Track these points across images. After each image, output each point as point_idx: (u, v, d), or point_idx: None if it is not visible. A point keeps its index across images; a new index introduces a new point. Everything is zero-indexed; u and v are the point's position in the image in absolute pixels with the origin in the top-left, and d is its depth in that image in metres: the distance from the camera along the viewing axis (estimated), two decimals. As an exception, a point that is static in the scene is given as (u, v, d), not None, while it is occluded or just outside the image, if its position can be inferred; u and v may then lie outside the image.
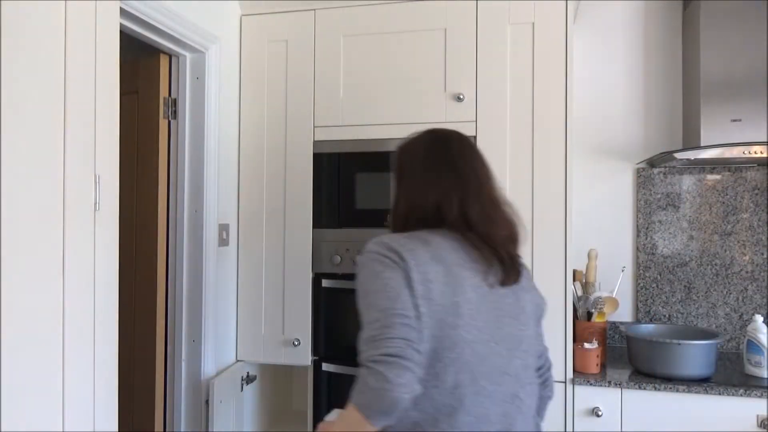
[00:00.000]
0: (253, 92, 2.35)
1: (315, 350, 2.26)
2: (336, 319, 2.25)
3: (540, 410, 1.29)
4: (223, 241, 2.26)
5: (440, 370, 1.08)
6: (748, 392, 1.84)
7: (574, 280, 2.13)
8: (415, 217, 1.22)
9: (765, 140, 2.01)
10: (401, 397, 1.00)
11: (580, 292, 2.18)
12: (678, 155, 2.11)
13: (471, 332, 1.10)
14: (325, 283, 2.25)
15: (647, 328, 2.18)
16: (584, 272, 2.20)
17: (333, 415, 1.50)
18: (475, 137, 2.10)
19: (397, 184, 1.30)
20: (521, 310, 1.20)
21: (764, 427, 1.82)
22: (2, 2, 1.15)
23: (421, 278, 1.08)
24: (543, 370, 1.31)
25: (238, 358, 2.34)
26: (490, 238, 1.18)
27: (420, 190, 1.23)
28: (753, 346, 1.98)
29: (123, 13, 1.72)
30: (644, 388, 1.91)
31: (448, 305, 1.09)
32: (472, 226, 1.18)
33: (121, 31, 1.56)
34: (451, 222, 1.19)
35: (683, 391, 1.88)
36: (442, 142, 1.30)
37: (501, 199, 1.25)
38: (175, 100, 2.19)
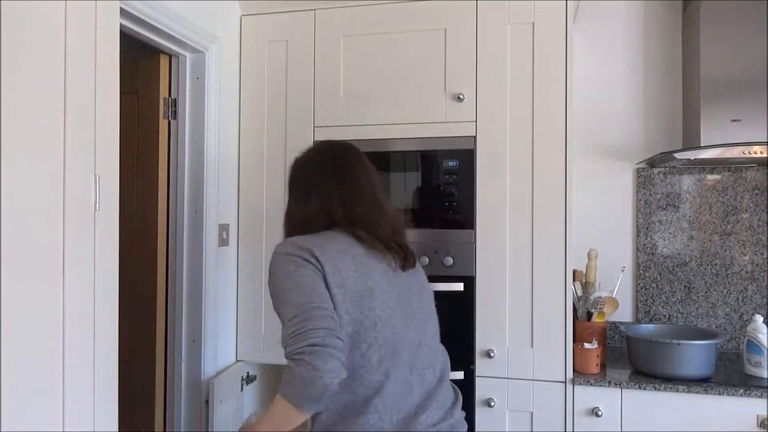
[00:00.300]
0: (253, 92, 2.35)
1: (315, 350, 2.25)
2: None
3: (446, 373, 1.40)
4: (223, 241, 2.26)
5: (365, 350, 1.20)
6: (748, 392, 1.84)
7: (574, 280, 2.13)
8: (306, 222, 1.34)
9: (765, 140, 2.01)
10: (331, 383, 1.10)
11: (580, 292, 2.18)
12: (678, 155, 2.11)
13: (386, 311, 1.24)
14: (325, 283, 2.24)
15: (647, 328, 2.18)
16: (584, 272, 2.20)
17: (252, 418, 1.51)
18: (474, 137, 2.10)
19: (289, 192, 1.43)
20: (423, 288, 1.39)
21: (764, 427, 1.82)
22: (2, 2, 1.15)
23: (333, 269, 1.20)
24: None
25: (238, 358, 2.34)
26: (377, 233, 1.32)
27: (308, 197, 1.36)
28: (753, 346, 1.98)
29: (123, 13, 1.72)
30: (644, 388, 1.91)
31: (362, 290, 1.22)
32: (357, 225, 1.31)
33: (121, 31, 1.55)
34: (339, 223, 1.32)
35: (683, 391, 1.88)
36: (326, 153, 1.41)
37: (382, 199, 1.38)
38: (175, 100, 2.19)
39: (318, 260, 1.21)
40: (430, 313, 1.39)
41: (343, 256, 1.24)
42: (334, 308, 1.17)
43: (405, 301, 1.31)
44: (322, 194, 1.35)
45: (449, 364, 1.41)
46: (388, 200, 1.40)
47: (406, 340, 1.27)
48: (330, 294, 1.18)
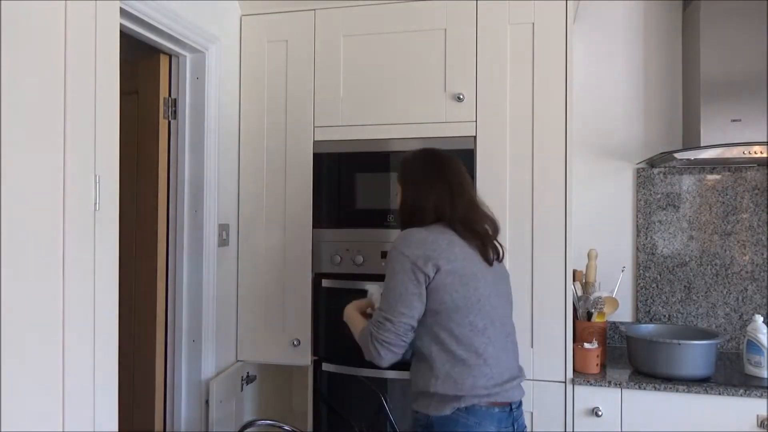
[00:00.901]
0: (253, 92, 2.35)
1: (315, 350, 2.26)
2: (336, 319, 2.23)
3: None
4: (223, 241, 2.26)
5: (473, 318, 1.52)
6: (748, 392, 1.84)
7: (574, 280, 2.13)
8: (419, 215, 1.62)
9: (765, 140, 2.02)
10: (380, 364, 1.57)
11: (580, 292, 2.18)
12: (678, 155, 2.11)
13: (487, 290, 1.55)
14: (325, 283, 2.25)
15: (647, 328, 2.18)
16: (584, 272, 2.20)
17: (375, 288, 1.77)
18: (474, 137, 2.10)
19: (402, 189, 1.69)
20: (505, 278, 1.70)
21: (764, 427, 1.82)
22: (2, 2, 1.15)
23: (446, 261, 1.51)
24: None
25: (238, 358, 2.34)
26: (475, 230, 1.60)
27: (422, 195, 1.63)
28: (753, 346, 1.98)
29: (123, 13, 1.72)
30: (644, 388, 1.91)
31: (469, 274, 1.53)
32: (461, 222, 1.59)
33: (121, 31, 1.55)
34: (446, 219, 1.60)
35: (683, 391, 1.88)
36: (436, 158, 1.68)
37: (479, 201, 1.67)
38: (175, 100, 2.19)
39: (428, 266, 1.51)
40: (509, 297, 1.70)
41: (452, 248, 1.54)
42: (438, 287, 1.51)
43: (495, 285, 1.60)
44: (436, 194, 1.61)
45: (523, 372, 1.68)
46: (483, 203, 1.68)
47: (500, 314, 1.59)
48: (429, 286, 1.52)
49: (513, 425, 1.57)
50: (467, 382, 1.50)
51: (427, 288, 1.52)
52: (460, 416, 1.50)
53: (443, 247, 1.53)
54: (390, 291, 1.54)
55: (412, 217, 1.63)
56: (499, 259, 1.65)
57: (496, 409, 1.52)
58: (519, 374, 1.63)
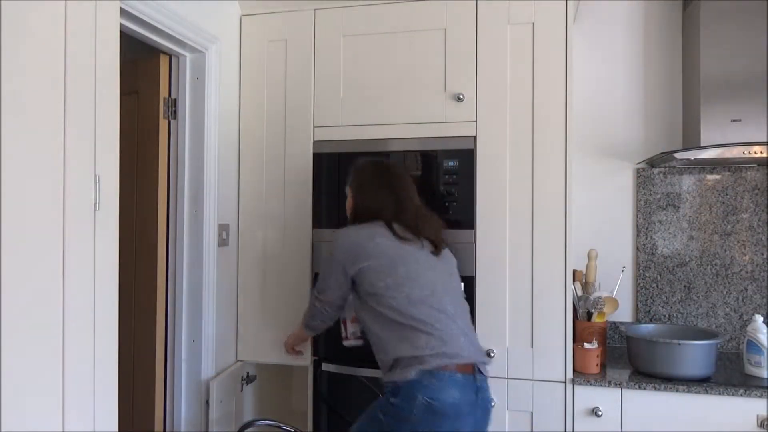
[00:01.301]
0: (253, 92, 2.35)
1: (315, 350, 2.26)
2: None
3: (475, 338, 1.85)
4: (223, 241, 2.26)
5: (408, 291, 1.67)
6: (748, 392, 1.84)
7: (574, 280, 2.13)
8: (365, 216, 1.81)
9: (765, 140, 2.02)
10: (317, 332, 1.99)
11: (580, 292, 2.18)
12: (678, 155, 2.11)
13: (420, 267, 1.71)
14: (325, 283, 2.24)
15: (647, 328, 2.18)
16: (584, 272, 2.20)
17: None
18: (474, 137, 2.10)
19: (353, 195, 1.88)
20: (448, 261, 1.84)
21: (764, 427, 1.82)
22: (2, 2, 1.15)
23: (376, 252, 1.72)
24: None
25: (238, 358, 2.34)
26: (419, 231, 1.78)
27: (370, 200, 1.82)
28: (753, 346, 1.98)
29: (123, 13, 1.72)
30: (644, 388, 1.91)
31: (397, 257, 1.71)
32: (398, 220, 1.78)
33: (121, 31, 1.55)
34: (387, 221, 1.78)
35: (683, 391, 1.88)
36: (386, 170, 1.88)
37: (422, 209, 1.85)
38: (175, 100, 2.19)
39: (355, 267, 1.73)
40: (457, 277, 1.85)
41: (377, 240, 1.73)
42: (377, 276, 1.70)
43: (437, 264, 1.77)
44: (381, 203, 1.81)
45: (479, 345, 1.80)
46: (424, 207, 1.87)
47: (441, 287, 1.72)
48: (353, 277, 1.75)
49: (476, 395, 1.65)
50: (420, 341, 1.62)
51: (356, 279, 1.74)
52: (424, 379, 1.58)
53: (370, 246, 1.73)
54: (322, 278, 1.84)
55: (354, 219, 1.85)
56: (439, 251, 1.81)
57: (459, 375, 1.61)
58: (474, 338, 1.76)
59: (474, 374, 1.66)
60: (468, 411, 1.62)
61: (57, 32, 1.30)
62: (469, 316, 1.81)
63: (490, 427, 2.00)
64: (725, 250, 2.34)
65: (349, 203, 1.91)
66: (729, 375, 1.99)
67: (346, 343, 2.01)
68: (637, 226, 2.43)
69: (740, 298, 2.32)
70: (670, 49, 2.43)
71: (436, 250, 1.81)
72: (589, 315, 2.14)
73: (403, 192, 1.84)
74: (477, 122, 2.10)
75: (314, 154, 2.26)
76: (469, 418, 1.63)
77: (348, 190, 1.91)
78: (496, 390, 2.04)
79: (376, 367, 2.16)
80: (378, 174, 1.87)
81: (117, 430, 1.49)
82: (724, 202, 2.35)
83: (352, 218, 1.87)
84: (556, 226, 2.02)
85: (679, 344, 1.92)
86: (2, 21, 1.15)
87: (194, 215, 2.18)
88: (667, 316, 2.39)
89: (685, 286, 2.38)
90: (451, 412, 1.58)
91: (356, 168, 1.92)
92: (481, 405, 1.68)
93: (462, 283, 1.91)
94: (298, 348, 2.19)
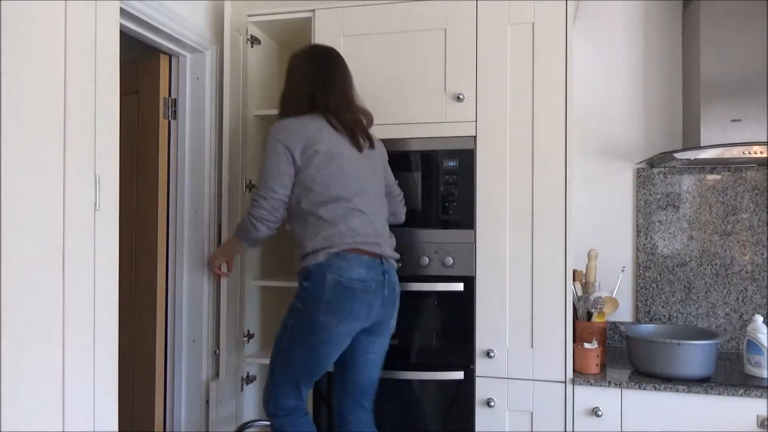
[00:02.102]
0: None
1: (315, 350, 2.25)
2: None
3: (394, 214, 2.03)
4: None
5: (338, 191, 1.75)
6: (748, 392, 1.84)
7: (574, 280, 2.13)
8: (295, 105, 1.82)
9: (765, 140, 2.01)
10: (258, 237, 1.85)
11: (580, 292, 2.18)
12: (678, 155, 2.11)
13: (352, 168, 1.78)
14: (325, 283, 2.24)
15: (647, 328, 2.18)
16: (584, 272, 2.20)
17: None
18: (474, 137, 2.10)
19: (286, 81, 1.89)
20: (376, 160, 1.90)
21: (764, 427, 1.82)
22: (2, 2, 1.15)
23: (309, 143, 1.75)
24: (395, 194, 2.04)
25: (239, 358, 2.34)
26: (346, 119, 1.81)
27: (299, 87, 1.84)
28: (753, 346, 1.98)
29: (123, 13, 1.72)
30: (644, 388, 1.91)
31: (335, 154, 1.76)
32: (332, 111, 1.80)
33: (121, 31, 1.56)
34: (320, 109, 1.80)
35: (683, 391, 1.88)
36: (319, 54, 1.89)
37: (353, 95, 1.88)
38: (175, 100, 2.20)
39: (298, 149, 1.75)
40: (382, 178, 1.93)
41: (321, 132, 1.76)
42: (307, 166, 1.75)
43: (366, 166, 1.83)
44: (310, 86, 1.82)
45: (395, 243, 1.93)
46: (357, 97, 1.90)
47: (369, 189, 1.82)
48: (297, 166, 1.76)
49: (384, 275, 1.78)
50: (335, 237, 1.72)
51: (297, 168, 1.75)
52: (332, 260, 1.70)
53: (312, 132, 1.76)
54: (264, 172, 1.77)
55: (288, 108, 1.85)
56: (371, 146, 1.86)
57: (366, 257, 1.74)
58: (389, 239, 1.88)
59: (381, 260, 1.78)
60: (377, 287, 1.75)
61: (57, 32, 1.30)
62: (385, 217, 1.89)
63: (491, 427, 2.01)
64: (725, 250, 2.34)
65: (281, 93, 1.90)
66: (729, 375, 1.99)
67: None
68: (637, 226, 2.43)
69: (740, 298, 2.32)
70: (670, 49, 2.43)
71: (364, 143, 1.84)
72: (589, 315, 2.14)
73: (332, 79, 1.84)
74: (477, 122, 2.10)
75: (314, 154, 2.25)
76: (378, 294, 1.75)
77: (284, 80, 1.92)
78: (496, 390, 2.04)
79: (376, 367, 2.16)
80: (307, 59, 1.87)
81: (117, 430, 1.49)
82: (724, 202, 2.35)
83: (281, 106, 1.87)
84: (556, 226, 2.02)
85: (679, 344, 1.92)
86: (2, 21, 1.15)
87: (194, 215, 2.18)
88: (667, 316, 2.39)
89: (685, 286, 2.38)
90: (360, 287, 1.71)
91: (292, 55, 1.92)
92: (388, 285, 1.79)
93: (385, 181, 1.97)
94: (225, 269, 2.09)
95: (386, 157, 2.01)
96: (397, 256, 1.90)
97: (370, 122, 1.91)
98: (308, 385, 1.84)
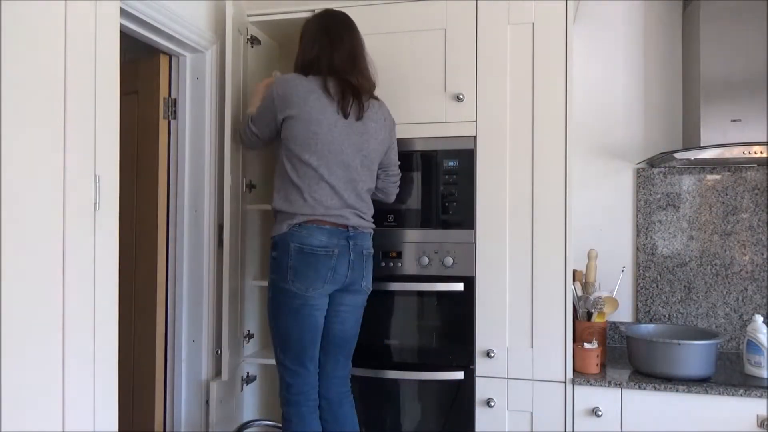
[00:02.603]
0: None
1: (315, 350, 2.25)
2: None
3: (383, 191, 2.06)
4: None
5: (308, 157, 1.80)
6: (748, 392, 1.84)
7: (574, 280, 2.13)
8: (307, 66, 1.89)
9: (765, 140, 2.01)
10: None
11: (580, 292, 2.18)
12: (678, 155, 2.11)
13: (330, 137, 1.81)
14: (325, 283, 2.24)
15: (647, 328, 2.18)
16: (584, 272, 2.20)
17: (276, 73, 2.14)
18: (474, 137, 2.10)
19: (299, 44, 1.95)
20: (366, 133, 1.88)
21: (764, 427, 1.82)
22: (2, 2, 1.15)
23: (297, 106, 1.81)
24: (390, 173, 2.04)
25: (239, 359, 2.34)
26: (343, 82, 1.84)
27: (310, 47, 1.90)
28: (753, 346, 1.98)
29: (123, 13, 1.72)
30: (644, 388, 1.91)
31: (314, 120, 1.80)
32: (334, 72, 1.85)
33: (121, 31, 1.56)
34: (323, 70, 1.85)
35: (683, 391, 1.88)
36: (329, 17, 1.94)
37: (364, 59, 1.92)
38: (175, 100, 2.19)
39: (281, 103, 1.84)
40: (369, 152, 1.90)
41: (308, 96, 1.81)
42: (286, 127, 1.84)
43: (349, 136, 1.84)
44: (318, 47, 1.88)
45: (372, 211, 1.96)
46: (366, 62, 1.93)
47: (343, 160, 1.83)
48: (278, 121, 1.85)
49: (348, 241, 1.83)
50: (298, 205, 1.80)
51: (277, 123, 1.86)
52: (294, 230, 1.79)
53: (301, 95, 1.82)
54: (256, 110, 1.93)
55: (297, 68, 1.93)
56: (359, 117, 1.86)
57: (327, 226, 1.81)
58: (362, 211, 1.89)
59: (347, 228, 1.84)
60: (340, 252, 1.81)
61: (57, 32, 1.30)
62: (364, 190, 1.90)
63: (491, 427, 2.01)
64: (725, 250, 2.34)
65: (296, 55, 1.98)
66: (729, 375, 1.99)
67: None
68: (637, 226, 2.43)
69: (740, 298, 2.32)
70: (670, 49, 2.43)
71: (353, 111, 1.85)
72: (589, 315, 2.14)
73: (339, 40, 1.88)
74: (477, 122, 2.10)
75: (314, 154, 2.25)
76: (342, 258, 1.82)
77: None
78: (496, 390, 2.04)
79: (376, 368, 2.17)
80: (318, 20, 1.94)
81: (117, 430, 1.49)
82: (724, 202, 2.35)
83: (297, 68, 1.94)
84: (556, 226, 2.02)
85: (679, 344, 1.92)
86: (2, 21, 1.15)
87: (194, 215, 2.18)
88: (667, 316, 2.39)
89: (685, 286, 2.38)
90: (322, 252, 1.79)
91: (306, 20, 2.00)
92: (354, 250, 1.85)
93: (383, 157, 1.96)
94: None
95: (391, 132, 1.99)
96: (369, 225, 1.93)
97: (369, 90, 1.92)
98: (309, 357, 1.86)
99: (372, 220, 1.95)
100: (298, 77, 1.86)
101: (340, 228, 1.82)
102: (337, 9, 2.00)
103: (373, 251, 1.95)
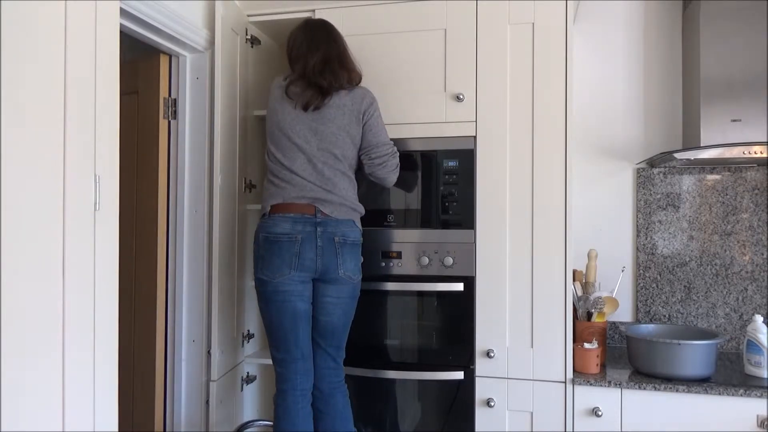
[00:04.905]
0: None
1: (315, 350, 2.25)
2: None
3: (372, 175, 2.04)
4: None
5: (273, 149, 1.94)
6: (748, 392, 1.84)
7: (574, 280, 2.13)
8: (291, 67, 2.01)
9: (765, 140, 2.01)
10: None
11: (580, 292, 2.18)
12: (678, 155, 2.11)
13: (288, 127, 1.92)
14: (325, 283, 2.24)
15: (647, 328, 2.18)
16: (584, 272, 2.21)
17: None
18: (474, 137, 2.10)
19: (286, 48, 2.06)
20: (328, 120, 1.93)
21: (764, 427, 1.82)
22: (2, 2, 1.15)
23: (271, 99, 1.99)
24: (372, 156, 2.00)
25: (238, 359, 2.34)
26: (314, 84, 1.93)
27: (296, 54, 2.00)
28: (753, 346, 1.98)
29: (123, 13, 1.72)
30: (644, 388, 1.91)
31: (278, 111, 1.94)
32: (307, 76, 1.94)
33: (121, 31, 1.56)
34: (297, 74, 1.97)
35: (683, 391, 1.88)
36: (309, 28, 2.04)
37: (334, 64, 1.97)
38: (175, 100, 2.20)
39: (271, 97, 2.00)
40: (333, 137, 1.94)
41: (275, 92, 1.98)
42: (267, 122, 2.00)
43: (310, 123, 1.92)
44: (299, 50, 1.99)
45: (349, 193, 1.96)
46: (338, 65, 1.97)
47: (307, 148, 1.91)
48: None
49: (315, 227, 1.88)
50: (268, 197, 1.93)
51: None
52: (262, 221, 1.92)
53: (273, 92, 1.98)
54: None
55: (294, 70, 2.01)
56: (318, 107, 1.93)
57: (291, 214, 1.88)
58: (323, 187, 1.91)
59: (315, 214, 1.88)
60: (305, 237, 1.86)
61: (57, 32, 1.30)
62: (333, 176, 1.92)
63: (491, 427, 2.00)
64: (725, 250, 2.34)
65: None
66: (729, 375, 1.99)
67: None
68: (637, 226, 2.43)
69: (740, 298, 2.32)
70: (670, 49, 2.43)
71: (316, 105, 1.92)
72: (589, 315, 2.14)
73: (315, 49, 1.97)
74: (477, 122, 2.10)
75: (314, 154, 2.25)
76: (307, 243, 1.86)
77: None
78: (496, 390, 2.04)
79: (376, 368, 2.17)
80: (298, 32, 2.04)
81: (117, 430, 1.49)
82: (724, 202, 2.35)
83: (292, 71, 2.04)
84: (556, 226, 2.02)
85: (679, 344, 1.92)
86: (2, 21, 1.15)
87: (194, 215, 2.18)
88: (667, 316, 2.39)
89: (685, 286, 2.38)
90: (285, 239, 1.86)
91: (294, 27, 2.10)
92: (323, 236, 1.88)
93: (355, 141, 1.96)
94: None
95: (359, 115, 1.96)
96: (344, 207, 1.92)
97: (339, 88, 1.95)
98: (294, 343, 1.89)
99: (350, 203, 1.94)
100: (281, 78, 2.00)
101: (306, 214, 1.88)
102: (317, 19, 2.13)
103: (356, 240, 1.95)
